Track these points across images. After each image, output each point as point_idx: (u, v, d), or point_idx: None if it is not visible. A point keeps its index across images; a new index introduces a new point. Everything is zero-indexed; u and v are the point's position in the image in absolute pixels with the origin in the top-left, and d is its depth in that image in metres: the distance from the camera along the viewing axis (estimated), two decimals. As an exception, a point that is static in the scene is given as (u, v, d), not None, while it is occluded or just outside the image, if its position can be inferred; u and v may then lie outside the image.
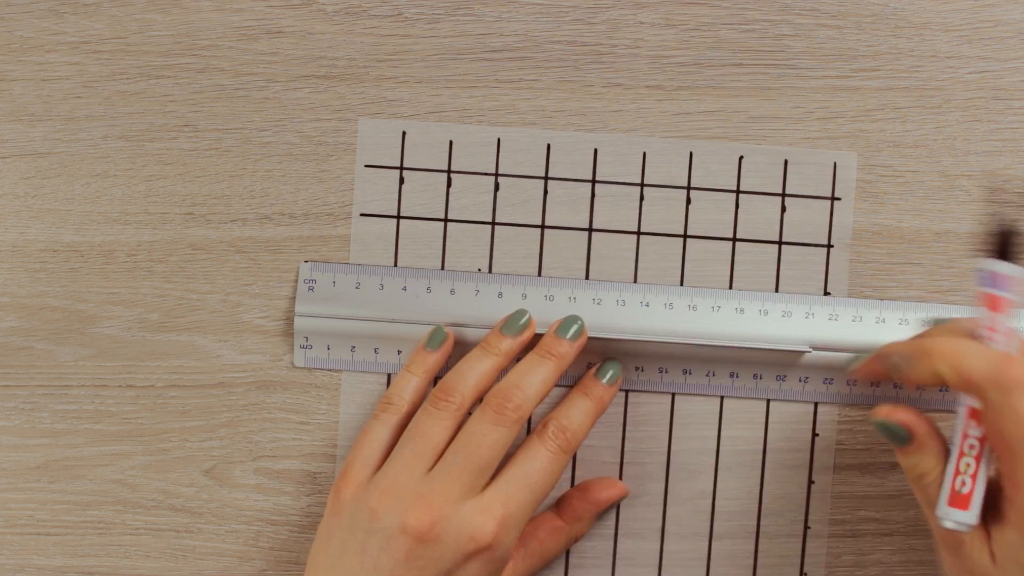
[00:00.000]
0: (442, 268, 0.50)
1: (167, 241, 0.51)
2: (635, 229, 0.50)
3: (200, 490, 0.51)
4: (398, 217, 0.50)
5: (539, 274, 0.50)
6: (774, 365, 0.49)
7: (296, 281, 0.50)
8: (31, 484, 0.51)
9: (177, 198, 0.51)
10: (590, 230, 0.50)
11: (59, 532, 0.51)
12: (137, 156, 0.51)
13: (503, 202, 0.50)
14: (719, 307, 0.49)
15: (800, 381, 0.49)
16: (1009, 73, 0.50)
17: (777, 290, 0.50)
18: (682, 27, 0.50)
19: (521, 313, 0.48)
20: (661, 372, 0.49)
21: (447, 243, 0.50)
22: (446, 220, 0.50)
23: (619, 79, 0.50)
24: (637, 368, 0.49)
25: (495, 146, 0.50)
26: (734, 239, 0.50)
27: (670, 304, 0.49)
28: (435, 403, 0.45)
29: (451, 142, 0.50)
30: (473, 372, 0.46)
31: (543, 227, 0.50)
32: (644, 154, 0.50)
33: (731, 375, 0.49)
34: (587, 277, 0.50)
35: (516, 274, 0.50)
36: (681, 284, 0.50)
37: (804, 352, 0.48)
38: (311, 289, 0.50)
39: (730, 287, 0.50)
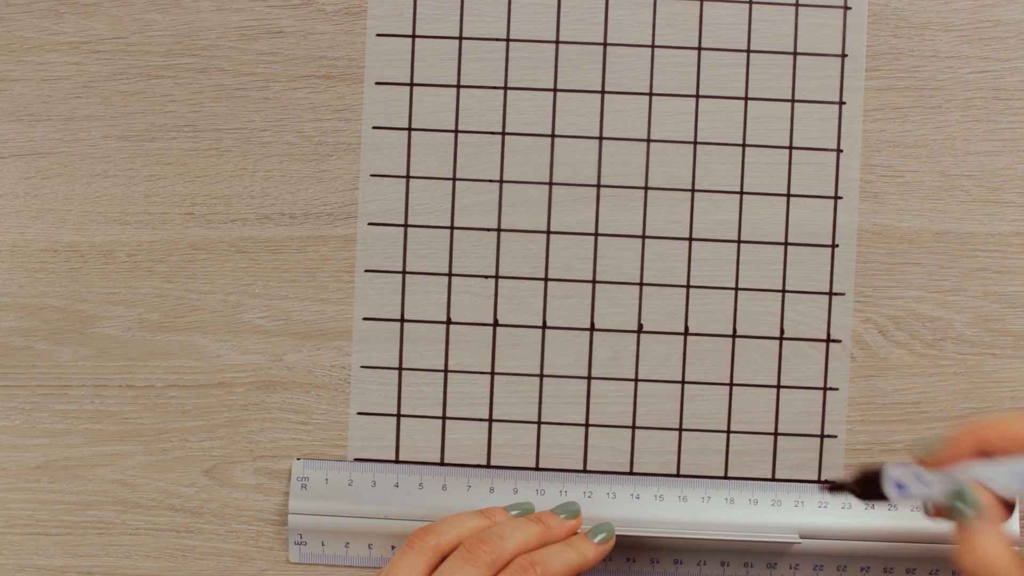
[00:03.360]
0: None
1: (167, 241, 0.51)
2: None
3: (200, 490, 0.51)
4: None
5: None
6: (764, 554, 0.49)
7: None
8: (31, 484, 0.51)
9: (177, 198, 0.51)
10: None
11: (59, 532, 0.51)
12: (137, 156, 0.51)
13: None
14: (709, 497, 0.49)
15: (791, 568, 0.49)
16: (1009, 73, 0.50)
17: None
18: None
19: (573, 504, 0.48)
20: (653, 563, 0.50)
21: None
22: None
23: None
24: (628, 559, 0.50)
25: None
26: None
27: (660, 496, 0.49)
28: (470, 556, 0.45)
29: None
30: (513, 538, 0.45)
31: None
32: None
33: (722, 564, 0.49)
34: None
35: (509, 467, 0.50)
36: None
37: (793, 542, 0.49)
38: (304, 487, 0.50)
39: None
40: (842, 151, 0.50)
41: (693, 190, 0.50)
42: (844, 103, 0.50)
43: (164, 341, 0.51)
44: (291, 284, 0.51)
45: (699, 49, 0.50)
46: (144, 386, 0.51)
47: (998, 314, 0.50)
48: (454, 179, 0.50)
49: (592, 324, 0.51)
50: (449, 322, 0.51)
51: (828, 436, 0.50)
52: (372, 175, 0.50)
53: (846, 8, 0.50)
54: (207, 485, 0.51)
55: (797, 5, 0.50)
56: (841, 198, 0.50)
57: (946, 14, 0.50)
